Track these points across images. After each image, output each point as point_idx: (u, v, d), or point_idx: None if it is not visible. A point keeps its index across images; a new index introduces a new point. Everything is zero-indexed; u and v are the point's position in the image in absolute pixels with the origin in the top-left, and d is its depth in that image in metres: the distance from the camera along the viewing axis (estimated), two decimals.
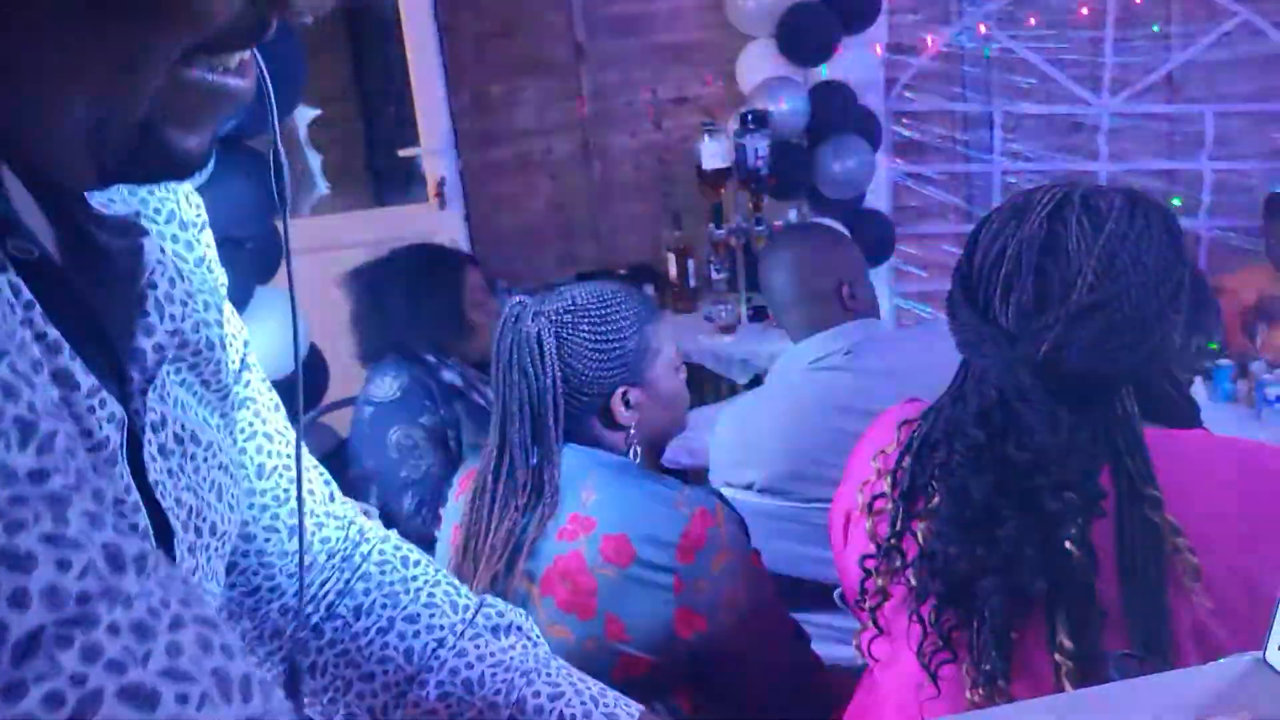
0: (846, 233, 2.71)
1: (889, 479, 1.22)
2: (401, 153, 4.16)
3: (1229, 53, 4.20)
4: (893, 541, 1.19)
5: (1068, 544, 1.04)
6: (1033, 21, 4.19)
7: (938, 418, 1.20)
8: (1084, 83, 4.24)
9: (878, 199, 4.14)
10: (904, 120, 4.25)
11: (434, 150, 4.08)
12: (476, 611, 0.89)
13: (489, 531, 1.47)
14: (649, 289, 4.00)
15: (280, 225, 0.66)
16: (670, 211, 3.99)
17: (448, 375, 2.44)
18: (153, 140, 0.48)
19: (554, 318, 1.47)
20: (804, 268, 2.02)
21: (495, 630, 0.89)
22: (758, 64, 3.91)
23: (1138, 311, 1.09)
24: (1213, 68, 4.24)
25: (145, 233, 0.59)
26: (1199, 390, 3.11)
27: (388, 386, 2.38)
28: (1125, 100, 4.26)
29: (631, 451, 1.53)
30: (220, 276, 0.72)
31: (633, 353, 1.50)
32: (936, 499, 1.16)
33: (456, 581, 0.93)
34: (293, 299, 0.70)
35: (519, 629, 0.90)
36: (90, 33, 0.43)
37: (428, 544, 1.57)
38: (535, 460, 1.46)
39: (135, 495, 0.53)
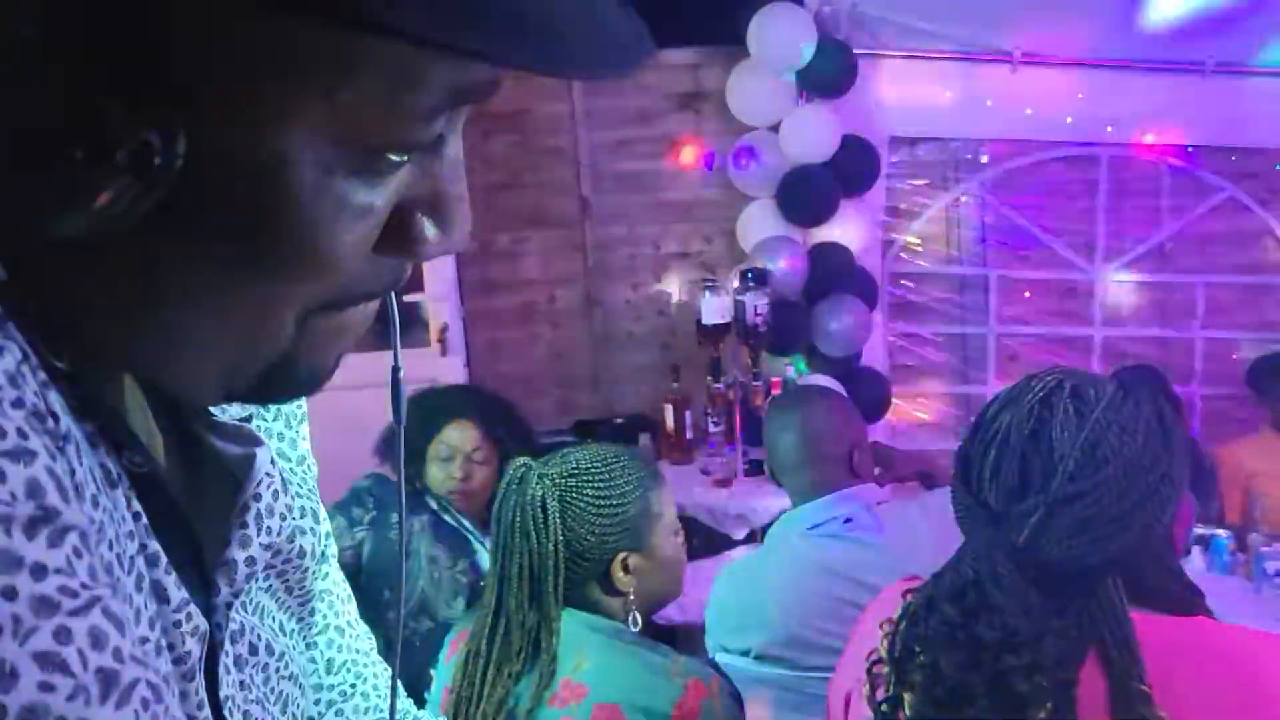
0: (846, 395, 2.73)
1: (885, 644, 1.22)
2: (406, 298, 4.22)
3: (1218, 226, 4.32)
4: (884, 709, 1.19)
5: None
6: (1027, 190, 4.31)
7: (924, 589, 1.22)
8: (1077, 250, 4.34)
9: (874, 358, 4.19)
10: (901, 281, 4.33)
11: (438, 296, 4.14)
12: None
13: (480, 698, 1.44)
14: (646, 439, 4.01)
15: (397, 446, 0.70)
16: (669, 363, 4.03)
17: (427, 497, 2.60)
18: (283, 369, 0.50)
19: (558, 481, 1.47)
20: (813, 431, 2.03)
21: None
22: (758, 223, 4.01)
23: (1117, 502, 1.10)
24: (1202, 240, 4.35)
25: (260, 442, 0.60)
26: (1197, 561, 3.09)
27: (366, 479, 2.58)
28: (1118, 268, 4.35)
29: (630, 618, 1.51)
30: (314, 469, 0.73)
31: (635, 518, 1.49)
32: (918, 672, 1.17)
33: None
34: (400, 453, 0.72)
35: None
36: (231, 285, 0.46)
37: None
38: (532, 625, 1.44)
39: (207, 712, 0.53)
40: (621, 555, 1.49)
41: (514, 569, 1.45)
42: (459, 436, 2.60)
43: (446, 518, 2.59)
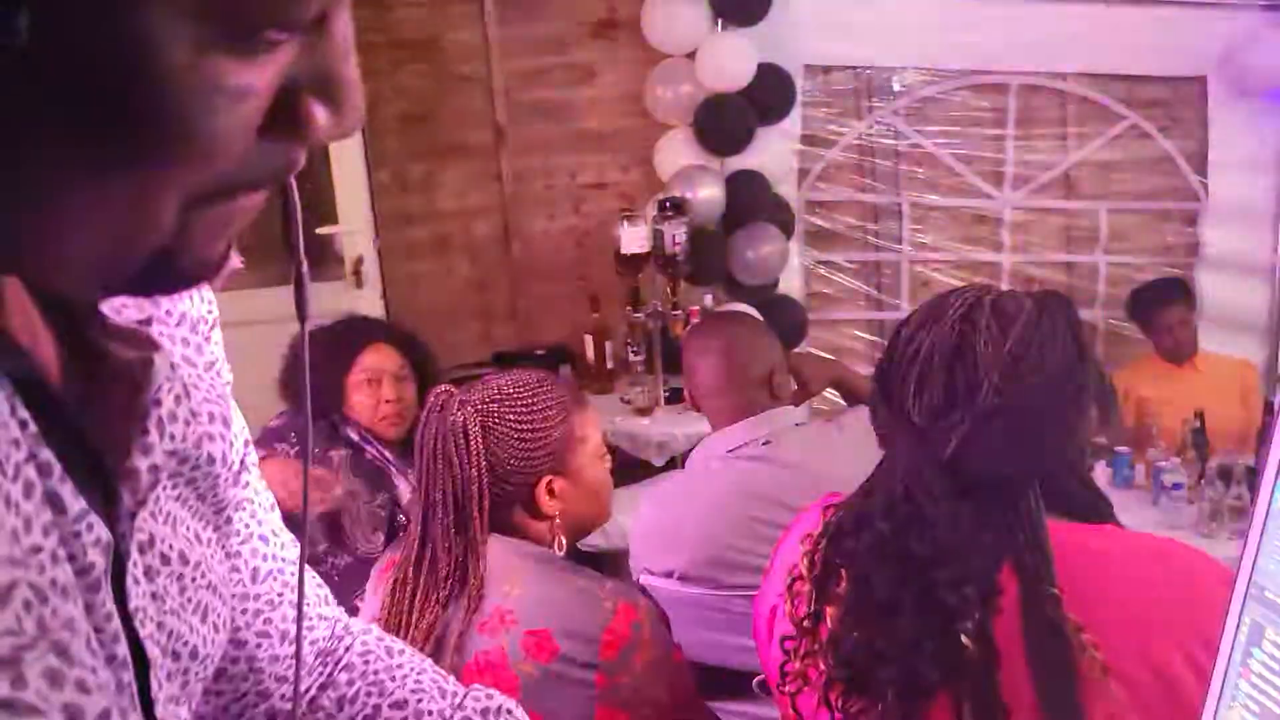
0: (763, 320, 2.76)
1: (807, 561, 1.24)
2: (319, 230, 4.13)
3: (1121, 153, 4.42)
4: (806, 624, 1.21)
5: (963, 638, 1.07)
6: (939, 119, 4.36)
7: (850, 506, 1.23)
8: (987, 178, 4.42)
9: (790, 285, 4.23)
10: (816, 210, 4.37)
11: (352, 229, 4.07)
12: (465, 695, 0.89)
13: (410, 625, 1.44)
14: (566, 370, 4.02)
15: (301, 335, 0.65)
16: (588, 294, 4.02)
17: (347, 430, 2.57)
18: (165, 261, 0.47)
19: (479, 406, 1.46)
20: (731, 355, 2.05)
21: (485, 713, 0.88)
22: (675, 152, 4.00)
23: (1041, 413, 1.13)
24: (1106, 167, 4.45)
25: (157, 346, 0.57)
26: (1101, 475, 3.21)
27: (272, 421, 2.54)
28: (1026, 195, 4.44)
29: (556, 542, 1.52)
30: (227, 376, 0.71)
31: (558, 441, 1.49)
32: (844, 585, 1.18)
33: (441, 669, 0.92)
34: (308, 408, 0.70)
35: (509, 711, 0.90)
36: (103, 174, 0.42)
37: None
38: (458, 551, 1.44)
39: (116, 624, 0.51)
40: (546, 479, 1.48)
41: (438, 495, 1.44)
42: (380, 359, 2.58)
43: (369, 449, 2.57)
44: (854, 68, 4.28)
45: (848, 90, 4.32)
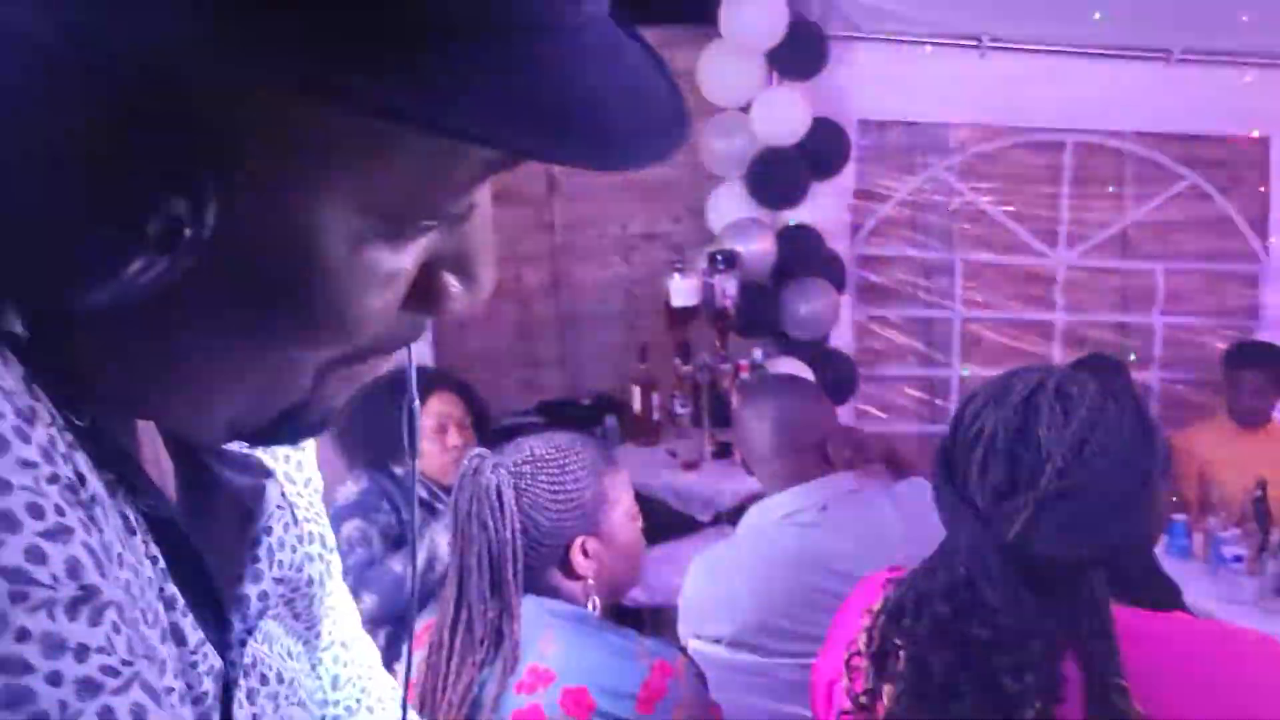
0: (816, 384, 2.74)
1: (865, 636, 1.23)
2: None
3: (1179, 213, 4.37)
4: (863, 700, 1.20)
5: None
6: (993, 175, 4.34)
7: (910, 585, 1.21)
8: (1041, 236, 4.37)
9: (841, 341, 4.20)
10: (868, 265, 4.34)
11: None
12: None
13: (446, 687, 1.45)
14: (612, 420, 4.00)
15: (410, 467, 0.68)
16: (636, 344, 4.01)
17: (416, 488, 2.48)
18: (294, 415, 0.50)
19: (512, 469, 1.49)
20: (787, 421, 2.04)
21: None
22: (727, 205, 4.00)
23: (1104, 498, 1.12)
24: (1164, 227, 4.40)
25: (269, 473, 0.60)
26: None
27: (349, 490, 2.47)
28: (1080, 254, 4.39)
29: (590, 602, 1.53)
30: (318, 485, 0.73)
31: (590, 503, 1.51)
32: (902, 664, 1.17)
33: None
34: (414, 509, 0.72)
35: None
36: (254, 348, 0.46)
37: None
38: (494, 614, 1.45)
39: None
40: (580, 540, 1.51)
41: (473, 559, 1.46)
42: (447, 406, 2.58)
43: (439, 507, 2.52)
44: (908, 123, 4.27)
45: (902, 145, 4.30)
